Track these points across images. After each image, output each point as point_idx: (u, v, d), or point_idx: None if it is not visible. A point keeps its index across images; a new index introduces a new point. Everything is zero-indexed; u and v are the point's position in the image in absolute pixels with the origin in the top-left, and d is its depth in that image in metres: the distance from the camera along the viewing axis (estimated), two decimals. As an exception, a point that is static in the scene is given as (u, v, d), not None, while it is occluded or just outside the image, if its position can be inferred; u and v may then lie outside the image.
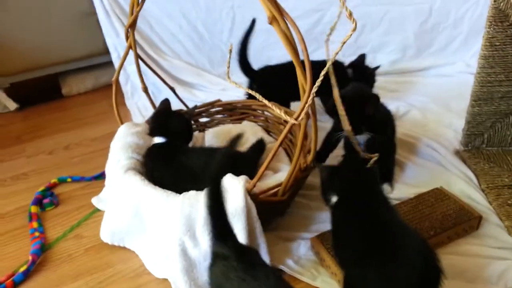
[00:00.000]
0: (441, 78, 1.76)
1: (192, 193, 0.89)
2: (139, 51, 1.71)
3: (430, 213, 0.97)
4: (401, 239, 0.72)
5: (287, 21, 0.77)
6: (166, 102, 1.16)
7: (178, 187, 0.93)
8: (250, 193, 0.89)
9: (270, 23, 0.77)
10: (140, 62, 1.23)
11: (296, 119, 0.80)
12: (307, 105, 0.79)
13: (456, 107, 1.54)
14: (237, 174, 0.92)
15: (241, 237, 0.85)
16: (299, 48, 0.78)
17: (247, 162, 1.06)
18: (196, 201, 0.87)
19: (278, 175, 1.08)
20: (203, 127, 1.36)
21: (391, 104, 1.56)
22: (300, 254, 0.98)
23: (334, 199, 0.83)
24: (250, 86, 1.38)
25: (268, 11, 0.76)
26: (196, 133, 1.33)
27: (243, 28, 1.81)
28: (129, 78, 1.77)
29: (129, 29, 1.10)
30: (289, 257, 0.97)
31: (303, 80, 0.79)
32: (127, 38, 1.11)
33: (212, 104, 1.34)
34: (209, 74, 1.81)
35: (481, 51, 1.11)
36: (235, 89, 1.77)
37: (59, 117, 1.80)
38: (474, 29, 1.74)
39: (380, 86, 1.71)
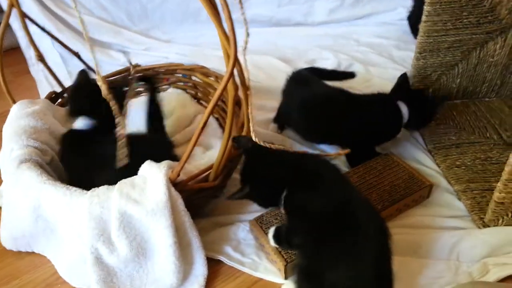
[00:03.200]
0: (382, 26, 1.66)
1: (102, 189, 0.73)
2: (38, 7, 1.46)
3: (378, 183, 0.89)
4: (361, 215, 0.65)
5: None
6: (83, 74, 0.94)
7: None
8: (175, 182, 0.74)
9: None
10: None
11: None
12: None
13: (398, 57, 1.47)
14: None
15: (167, 235, 0.72)
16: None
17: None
18: (107, 198, 0.71)
19: (210, 153, 0.94)
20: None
21: (333, 57, 1.46)
22: (239, 238, 0.87)
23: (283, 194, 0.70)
24: None
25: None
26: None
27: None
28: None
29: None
30: (227, 244, 0.85)
31: (226, 44, 0.63)
32: (5, -7, 0.88)
33: (128, 70, 1.14)
34: (128, 31, 1.57)
35: (428, -3, 0.99)
36: (160, 49, 1.58)
37: None
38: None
39: (319, 38, 1.60)
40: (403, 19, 1.65)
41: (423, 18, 1.02)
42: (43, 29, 1.01)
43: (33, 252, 0.87)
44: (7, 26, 0.91)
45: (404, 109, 0.97)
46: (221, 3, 0.61)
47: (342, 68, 1.41)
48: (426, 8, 1.00)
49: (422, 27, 1.04)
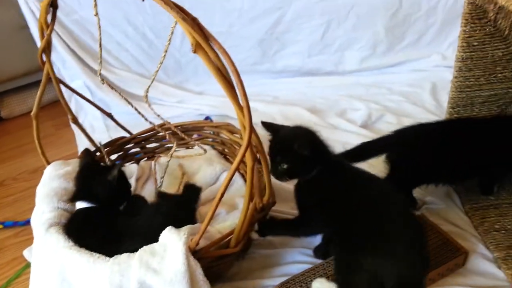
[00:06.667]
0: (416, 74, 1.62)
1: (123, 257, 0.73)
2: (79, 64, 1.55)
3: (409, 249, 0.84)
4: None
5: (215, 48, 0.62)
6: (87, 155, 0.98)
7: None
8: (195, 250, 0.74)
9: (195, 51, 0.62)
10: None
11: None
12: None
13: (432, 107, 1.42)
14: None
15: (186, 306, 0.71)
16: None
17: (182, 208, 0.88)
18: (127, 267, 0.72)
19: (234, 213, 0.93)
20: (151, 154, 1.20)
21: (364, 107, 1.43)
22: (263, 308, 0.84)
23: None
24: None
25: (191, 38, 0.62)
26: (142, 163, 1.17)
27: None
28: (73, 94, 1.58)
29: (43, 54, 0.92)
30: (250, 310, 0.83)
31: (242, 117, 0.64)
32: (43, 63, 0.94)
33: (160, 126, 1.16)
34: (163, 84, 1.63)
35: (458, 53, 0.97)
36: (192, 100, 1.62)
37: (-2, 144, 1.60)
38: (449, 17, 1.61)
39: (350, 87, 1.58)
40: (438, 66, 1.62)
41: (454, 73, 0.99)
42: (77, 93, 1.07)
43: (59, 313, 0.89)
44: (43, 93, 0.96)
45: None
46: (236, 80, 0.62)
47: (373, 119, 1.38)
48: (455, 63, 0.98)
49: (453, 82, 1.01)
